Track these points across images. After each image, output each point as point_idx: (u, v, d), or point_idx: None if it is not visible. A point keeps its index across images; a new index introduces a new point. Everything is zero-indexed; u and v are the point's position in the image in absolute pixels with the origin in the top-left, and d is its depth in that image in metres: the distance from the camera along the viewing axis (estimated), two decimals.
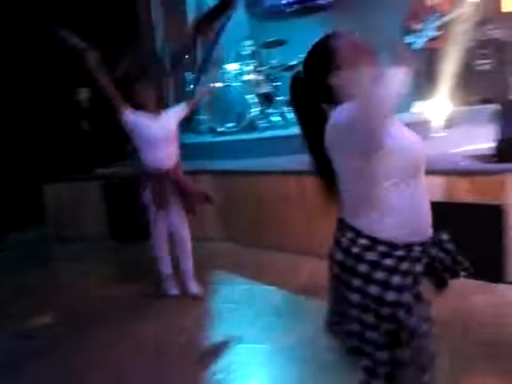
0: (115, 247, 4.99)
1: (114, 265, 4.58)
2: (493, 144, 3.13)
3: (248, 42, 6.05)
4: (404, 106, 4.99)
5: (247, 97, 5.56)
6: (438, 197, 3.16)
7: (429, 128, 4.36)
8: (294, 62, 5.56)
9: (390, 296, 1.29)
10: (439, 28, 4.82)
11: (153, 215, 3.38)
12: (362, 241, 1.32)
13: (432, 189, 3.21)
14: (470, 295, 2.81)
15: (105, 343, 2.99)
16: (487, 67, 4.98)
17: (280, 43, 5.86)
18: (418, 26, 4.85)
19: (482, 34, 5.02)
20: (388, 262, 1.30)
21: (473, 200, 2.98)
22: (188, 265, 3.47)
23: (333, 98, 1.39)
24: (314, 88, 1.43)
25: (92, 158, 5.54)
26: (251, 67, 5.79)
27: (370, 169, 1.29)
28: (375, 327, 1.31)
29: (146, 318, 3.27)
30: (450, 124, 4.56)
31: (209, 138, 5.76)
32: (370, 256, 1.31)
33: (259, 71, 5.80)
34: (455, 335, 2.50)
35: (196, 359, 2.76)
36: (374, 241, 1.31)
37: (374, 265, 1.30)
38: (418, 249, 1.32)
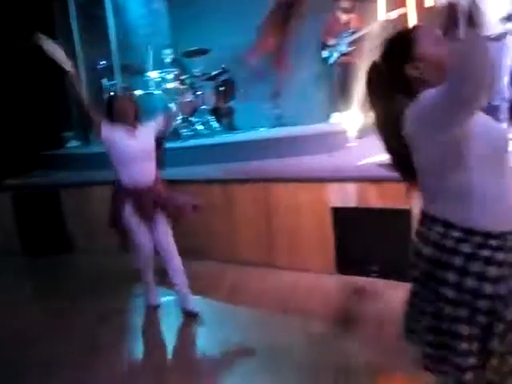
0: (27, 262, 4.72)
1: (27, 282, 4.33)
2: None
3: (169, 50, 6.04)
4: (322, 117, 5.25)
5: (170, 105, 5.52)
6: (352, 203, 3.36)
7: (345, 138, 4.60)
8: (216, 72, 5.62)
9: (488, 288, 1.26)
10: (352, 43, 5.12)
11: (134, 227, 3.17)
12: (455, 233, 1.28)
13: (346, 195, 3.43)
14: (384, 293, 3.03)
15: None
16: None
17: (203, 52, 5.90)
18: (333, 41, 5.12)
19: None
20: (484, 252, 1.27)
21: (382, 205, 3.20)
22: (178, 279, 3.24)
23: (411, 89, 1.36)
24: (392, 78, 1.40)
25: (1, 167, 5.20)
26: (173, 75, 5.76)
27: (458, 155, 1.26)
28: (469, 321, 1.28)
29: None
30: (364, 134, 4.85)
31: None
32: (465, 248, 1.27)
33: (181, 79, 5.79)
34: (371, 331, 2.68)
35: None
36: (468, 232, 1.28)
37: (470, 257, 1.27)
38: (511, 237, 1.29)
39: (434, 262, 1.32)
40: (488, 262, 1.27)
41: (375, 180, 3.26)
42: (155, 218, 3.16)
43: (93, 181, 4.65)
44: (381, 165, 3.58)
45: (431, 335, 1.34)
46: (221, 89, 5.89)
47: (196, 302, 3.24)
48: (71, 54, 6.11)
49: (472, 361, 1.30)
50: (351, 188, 3.39)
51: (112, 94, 5.64)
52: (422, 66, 1.37)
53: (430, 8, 5.45)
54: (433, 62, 1.35)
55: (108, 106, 3.20)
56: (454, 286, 1.29)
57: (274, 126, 5.54)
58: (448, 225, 1.30)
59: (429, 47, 1.36)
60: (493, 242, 1.27)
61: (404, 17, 4.66)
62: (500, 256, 1.27)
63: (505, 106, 3.65)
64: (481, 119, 1.28)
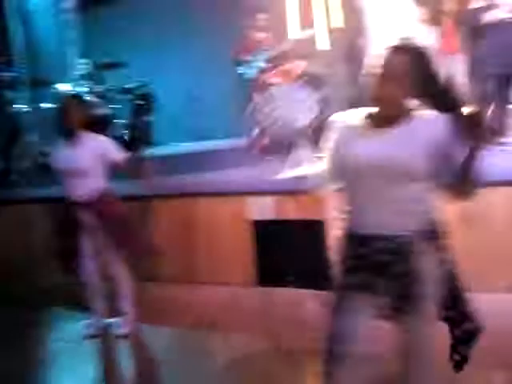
0: None
1: None
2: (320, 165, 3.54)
3: (83, 62, 5.82)
4: (240, 131, 5.34)
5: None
6: (271, 215, 3.44)
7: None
8: (132, 85, 5.52)
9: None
10: (267, 61, 5.28)
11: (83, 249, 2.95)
12: None
13: (265, 208, 3.51)
14: (302, 303, 3.12)
15: None
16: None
17: (118, 65, 5.76)
18: (247, 58, 5.24)
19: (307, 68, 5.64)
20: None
21: (300, 217, 3.32)
22: (122, 303, 3.06)
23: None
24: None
25: None
26: (87, 88, 5.56)
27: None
28: None
29: None
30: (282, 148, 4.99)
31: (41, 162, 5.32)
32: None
33: (95, 93, 5.60)
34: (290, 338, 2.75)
35: None
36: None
37: None
38: (357, 239, 1.57)
39: None
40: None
41: (293, 192, 3.38)
42: (99, 238, 2.94)
43: None
44: (298, 177, 3.74)
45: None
46: (138, 103, 5.79)
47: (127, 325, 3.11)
48: None
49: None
50: (270, 201, 3.47)
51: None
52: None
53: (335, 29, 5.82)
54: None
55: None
56: None
57: (192, 140, 5.54)
58: None
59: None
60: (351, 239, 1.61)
61: (313, 37, 4.90)
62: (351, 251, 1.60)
63: None
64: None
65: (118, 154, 2.99)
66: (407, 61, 1.50)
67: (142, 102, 5.67)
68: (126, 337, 3.06)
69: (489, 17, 4.01)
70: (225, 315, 3.21)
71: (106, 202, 2.96)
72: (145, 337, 3.17)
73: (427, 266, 1.53)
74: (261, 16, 5.34)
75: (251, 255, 3.54)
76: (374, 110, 1.56)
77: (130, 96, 5.68)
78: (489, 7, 4.00)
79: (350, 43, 4.79)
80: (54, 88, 5.48)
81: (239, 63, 5.28)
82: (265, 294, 3.44)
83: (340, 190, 1.65)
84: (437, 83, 1.53)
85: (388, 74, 1.49)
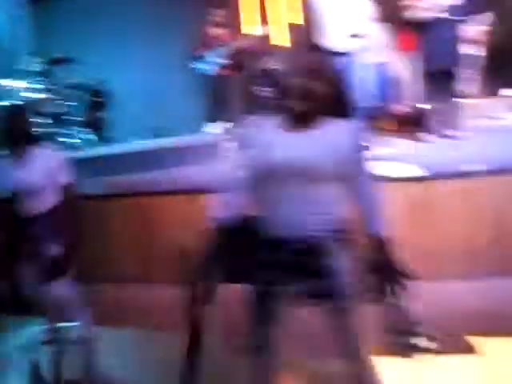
0: None
1: None
2: None
3: (35, 58, 5.63)
4: (198, 128, 5.31)
5: (36, 117, 5.15)
6: (230, 212, 3.43)
7: (220, 148, 4.71)
8: (86, 82, 5.40)
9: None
10: (226, 57, 5.27)
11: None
12: None
13: (223, 205, 3.49)
14: None
15: None
16: (269, 95, 5.63)
17: (69, 60, 5.60)
18: (205, 54, 5.21)
19: (262, 65, 5.67)
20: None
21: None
22: (71, 308, 2.81)
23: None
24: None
25: None
26: (40, 85, 5.39)
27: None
28: None
29: None
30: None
31: None
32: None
33: (49, 90, 5.44)
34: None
35: None
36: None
37: None
38: (269, 242, 1.58)
39: None
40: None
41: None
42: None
43: None
44: None
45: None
46: (93, 99, 5.66)
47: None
48: None
49: None
50: (228, 198, 3.46)
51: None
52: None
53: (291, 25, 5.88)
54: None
55: None
56: None
57: (150, 138, 5.47)
58: None
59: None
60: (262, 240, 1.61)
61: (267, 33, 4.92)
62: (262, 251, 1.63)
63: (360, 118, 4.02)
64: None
65: (65, 176, 2.73)
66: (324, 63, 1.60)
67: (97, 99, 5.55)
68: (80, 341, 2.99)
69: (424, 14, 4.15)
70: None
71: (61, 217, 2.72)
72: (103, 340, 3.10)
73: (340, 264, 1.59)
74: (219, 12, 5.33)
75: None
76: (287, 111, 1.57)
77: (84, 93, 5.55)
78: (425, 5, 4.15)
79: (306, 40, 4.84)
80: (4, 86, 5.28)
81: (198, 59, 5.25)
82: (230, 291, 3.42)
83: (250, 191, 1.65)
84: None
85: (309, 73, 1.53)
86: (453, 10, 4.12)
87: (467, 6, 4.21)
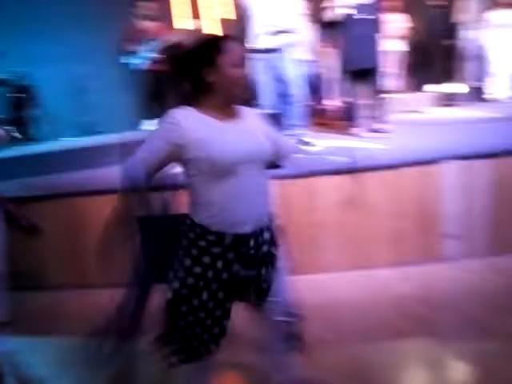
0: None
1: None
2: None
3: None
4: (132, 125, 5.17)
5: None
6: (159, 211, 3.36)
7: None
8: (6, 76, 5.09)
9: (196, 270, 1.51)
10: (157, 51, 5.15)
11: None
12: (188, 221, 1.57)
13: (153, 204, 3.42)
14: None
15: None
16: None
17: None
18: (136, 48, 5.07)
19: None
20: (200, 243, 1.52)
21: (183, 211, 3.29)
22: None
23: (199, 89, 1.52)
24: (188, 75, 1.53)
25: None
26: None
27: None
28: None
29: None
30: None
31: None
32: (190, 235, 1.54)
33: None
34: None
35: None
36: (192, 223, 1.54)
37: (191, 243, 1.54)
38: (230, 238, 1.50)
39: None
40: (203, 250, 1.53)
41: (180, 187, 3.35)
42: None
43: None
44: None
45: None
46: (17, 95, 5.33)
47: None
48: None
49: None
50: (157, 196, 3.40)
51: None
52: (216, 76, 1.49)
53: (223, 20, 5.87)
54: (226, 78, 1.49)
55: None
56: (179, 260, 1.56)
57: (80, 135, 5.26)
58: (186, 215, 1.58)
59: (228, 65, 1.48)
60: (209, 237, 1.52)
61: (199, 27, 4.87)
62: (214, 249, 1.52)
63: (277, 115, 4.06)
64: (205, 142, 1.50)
65: None
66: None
67: (20, 95, 5.23)
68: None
69: (336, 14, 4.31)
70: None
71: None
72: (29, 350, 2.95)
73: (279, 252, 1.66)
74: (149, 4, 5.20)
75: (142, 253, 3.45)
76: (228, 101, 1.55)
77: (5, 89, 5.21)
78: (337, 5, 4.31)
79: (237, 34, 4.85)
80: None
81: (128, 53, 5.09)
82: (161, 291, 3.37)
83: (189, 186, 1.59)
84: None
85: (241, 62, 1.53)
86: (368, 7, 4.28)
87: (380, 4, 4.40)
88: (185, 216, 1.60)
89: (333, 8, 4.34)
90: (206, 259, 1.52)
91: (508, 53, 5.85)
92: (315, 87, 5.00)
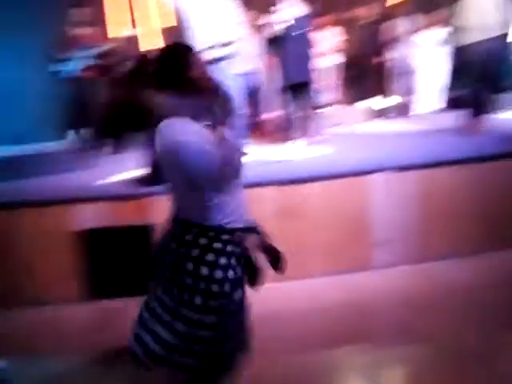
0: None
1: None
2: (144, 169, 3.45)
3: None
4: (57, 135, 4.95)
5: None
6: (97, 223, 3.24)
7: (87, 156, 4.46)
8: None
9: (218, 274, 1.51)
10: (91, 59, 4.98)
11: None
12: (194, 229, 1.55)
13: (90, 216, 3.28)
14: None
15: None
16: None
17: None
18: (68, 55, 4.88)
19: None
20: (216, 245, 1.53)
21: (127, 223, 3.20)
22: None
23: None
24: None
25: None
26: None
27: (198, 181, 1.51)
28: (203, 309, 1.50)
29: None
30: (111, 152, 4.78)
31: None
32: (202, 240, 1.53)
33: None
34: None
35: None
36: (204, 228, 1.53)
37: (205, 248, 1.53)
38: (238, 234, 1.55)
39: (179, 255, 1.54)
40: (219, 252, 1.53)
41: (118, 198, 3.25)
42: None
43: None
44: (129, 181, 3.60)
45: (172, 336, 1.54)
46: None
47: None
48: None
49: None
50: (95, 208, 3.27)
51: None
52: (189, 89, 1.54)
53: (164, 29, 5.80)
54: (199, 91, 1.54)
55: None
56: (191, 273, 1.51)
57: (8, 144, 4.97)
58: (189, 224, 1.54)
59: (198, 79, 1.55)
60: (224, 237, 1.54)
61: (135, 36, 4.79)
62: (228, 248, 1.55)
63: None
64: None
65: None
66: None
67: None
68: None
69: (274, 30, 4.44)
70: (50, 338, 2.91)
71: None
72: None
73: None
74: (82, 10, 5.02)
75: (80, 268, 3.29)
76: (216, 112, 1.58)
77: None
78: (274, 22, 4.44)
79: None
80: None
81: (60, 60, 4.88)
82: (97, 308, 3.22)
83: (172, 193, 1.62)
84: None
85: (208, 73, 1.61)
86: (302, 23, 4.43)
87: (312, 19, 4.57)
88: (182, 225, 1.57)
89: (271, 24, 4.43)
90: (223, 260, 1.53)
91: (432, 70, 6.24)
92: (255, 99, 5.06)
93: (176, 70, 1.53)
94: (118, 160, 4.47)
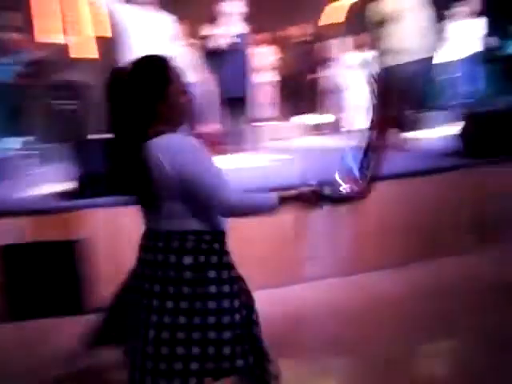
0: None
1: None
2: (71, 181, 3.31)
3: None
4: None
5: None
6: (17, 239, 3.04)
7: (22, 165, 4.25)
8: None
9: (234, 272, 1.57)
10: (22, 65, 4.76)
11: None
12: (206, 236, 1.55)
13: (10, 231, 3.07)
14: (56, 332, 2.84)
15: None
16: (69, 107, 5.26)
17: None
18: (3, 60, 4.65)
19: (61, 76, 5.29)
20: (215, 246, 1.56)
21: (56, 237, 3.03)
22: None
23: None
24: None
25: None
26: None
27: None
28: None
29: None
30: (40, 162, 4.57)
31: None
32: (216, 246, 1.57)
33: None
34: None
35: None
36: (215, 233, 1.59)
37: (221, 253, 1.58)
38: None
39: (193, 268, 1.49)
40: (219, 253, 1.56)
41: (42, 212, 3.08)
42: None
43: None
44: (47, 195, 3.41)
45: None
46: None
47: None
48: None
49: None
50: (16, 223, 3.07)
51: None
52: (166, 106, 1.50)
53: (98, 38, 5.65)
54: (175, 108, 1.52)
55: None
56: (214, 280, 1.51)
57: None
58: (184, 233, 1.51)
59: (176, 94, 1.51)
60: (220, 237, 1.59)
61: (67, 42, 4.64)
62: (225, 247, 1.61)
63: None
64: None
65: None
66: None
67: None
68: None
69: (213, 45, 4.50)
70: None
71: None
72: None
73: None
74: (13, 15, 4.80)
75: None
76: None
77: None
78: (214, 35, 4.50)
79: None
80: None
81: None
82: (16, 329, 3.00)
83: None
84: None
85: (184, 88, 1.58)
86: (238, 39, 4.50)
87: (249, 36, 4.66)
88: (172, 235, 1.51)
89: (214, 37, 4.45)
90: (225, 258, 1.57)
91: (359, 89, 6.54)
92: (194, 111, 5.05)
93: (157, 83, 1.50)
94: (42, 172, 4.29)
